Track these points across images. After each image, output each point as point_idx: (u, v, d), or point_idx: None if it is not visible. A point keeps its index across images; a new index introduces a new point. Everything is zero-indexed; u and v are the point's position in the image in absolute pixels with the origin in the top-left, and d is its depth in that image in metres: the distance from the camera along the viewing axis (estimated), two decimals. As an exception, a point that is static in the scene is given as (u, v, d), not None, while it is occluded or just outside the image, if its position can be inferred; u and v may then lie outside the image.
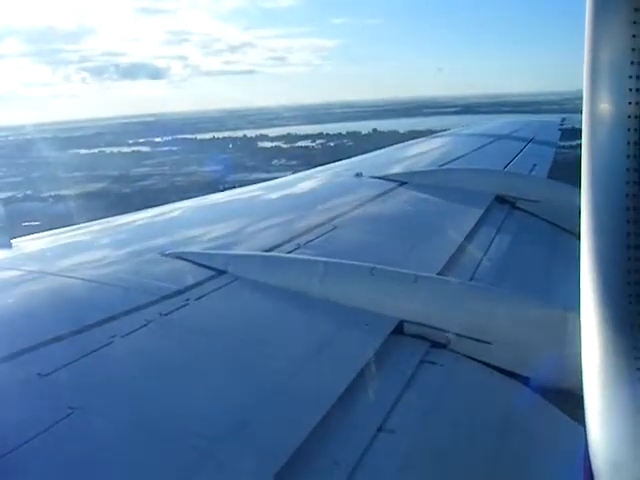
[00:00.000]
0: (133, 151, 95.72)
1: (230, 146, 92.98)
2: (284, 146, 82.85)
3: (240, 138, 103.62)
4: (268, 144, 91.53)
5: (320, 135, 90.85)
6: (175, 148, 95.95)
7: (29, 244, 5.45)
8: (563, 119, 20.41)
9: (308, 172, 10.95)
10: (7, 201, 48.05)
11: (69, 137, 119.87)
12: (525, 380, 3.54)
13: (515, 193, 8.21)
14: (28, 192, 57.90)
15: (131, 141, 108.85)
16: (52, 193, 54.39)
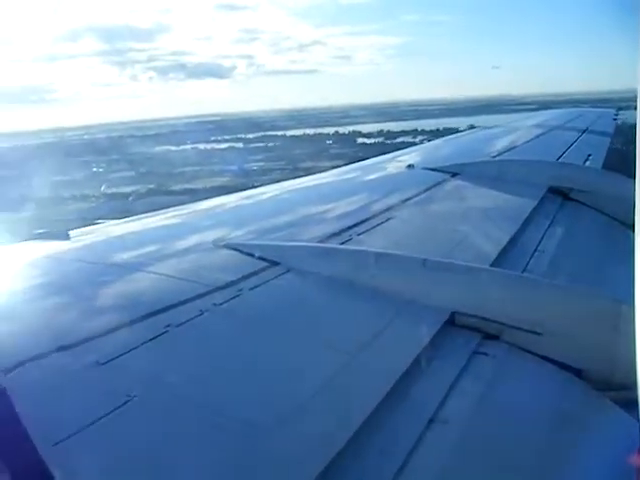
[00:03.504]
0: (229, 147, 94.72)
1: (330, 142, 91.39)
2: (387, 142, 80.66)
3: (333, 135, 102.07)
4: (367, 140, 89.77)
5: (417, 131, 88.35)
6: (271, 144, 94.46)
7: (85, 236, 5.55)
8: (618, 109, 20.02)
9: (360, 164, 10.91)
10: (139, 195, 47.68)
11: (148, 135, 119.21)
12: (578, 372, 3.51)
13: (569, 184, 8.09)
14: (151, 186, 57.00)
15: (218, 138, 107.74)
16: (179, 187, 53.51)
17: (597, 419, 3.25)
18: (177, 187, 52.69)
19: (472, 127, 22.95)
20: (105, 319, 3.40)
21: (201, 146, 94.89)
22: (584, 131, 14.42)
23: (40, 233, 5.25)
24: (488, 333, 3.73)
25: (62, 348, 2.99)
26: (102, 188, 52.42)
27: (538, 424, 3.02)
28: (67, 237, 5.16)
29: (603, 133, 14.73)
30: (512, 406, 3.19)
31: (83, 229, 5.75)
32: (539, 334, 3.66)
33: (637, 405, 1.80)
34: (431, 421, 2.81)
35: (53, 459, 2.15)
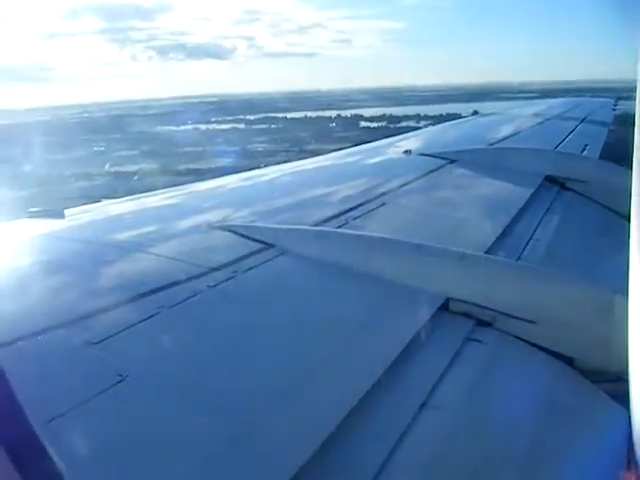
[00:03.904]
0: (232, 127, 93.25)
1: (333, 124, 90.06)
2: (390, 126, 79.35)
3: (336, 118, 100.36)
4: (370, 123, 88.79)
5: (420, 116, 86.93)
6: (274, 126, 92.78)
7: (81, 215, 5.55)
8: (617, 99, 20.01)
9: (357, 148, 10.91)
10: (144, 174, 46.91)
11: (148, 114, 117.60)
12: (570, 361, 3.53)
13: (565, 173, 8.10)
14: (155, 166, 54.48)
15: (219, 119, 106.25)
16: (184, 167, 52.37)
17: (587, 408, 3.27)
18: (182, 167, 51.97)
19: (475, 112, 22.92)
20: (98, 299, 3.40)
21: (202, 127, 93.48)
22: (582, 120, 14.42)
23: (35, 212, 5.24)
24: (481, 320, 3.74)
25: (54, 327, 3.00)
26: (106, 167, 51.79)
27: (528, 412, 3.03)
28: (62, 216, 5.15)
29: (601, 123, 14.73)
30: (503, 393, 3.20)
31: (78, 208, 5.74)
32: (533, 322, 3.67)
33: (628, 395, 1.81)
34: (422, 406, 2.82)
35: (46, 436, 2.15)
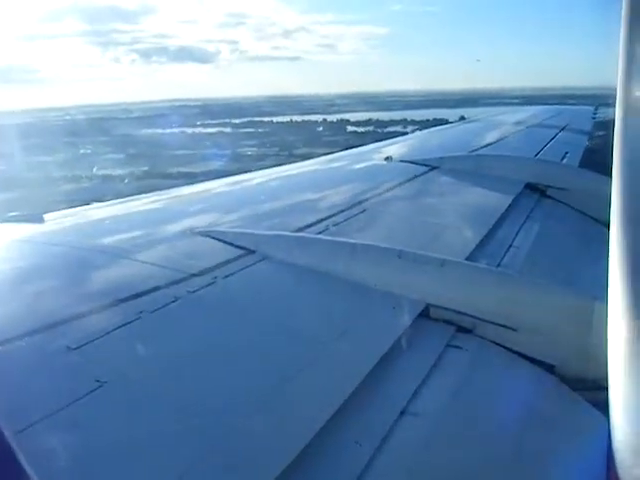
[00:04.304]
0: (218, 131, 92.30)
1: (320, 129, 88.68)
2: (377, 130, 78.78)
3: (322, 122, 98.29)
4: (357, 128, 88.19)
5: (406, 121, 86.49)
6: (261, 130, 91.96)
7: (61, 220, 5.51)
8: (596, 108, 20.18)
9: (337, 155, 10.93)
10: (134, 177, 46.48)
11: (132, 118, 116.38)
12: (550, 368, 3.54)
13: (546, 181, 8.15)
14: (144, 169, 54.46)
15: (204, 122, 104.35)
16: (174, 170, 51.32)
17: (568, 415, 3.28)
18: (172, 170, 51.54)
19: (463, 118, 23.05)
20: (77, 304, 3.37)
21: (189, 130, 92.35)
22: (562, 128, 14.52)
23: (14, 216, 5.19)
24: (462, 327, 3.74)
25: (32, 332, 2.97)
26: (94, 170, 51.08)
27: (509, 419, 3.04)
28: (41, 220, 5.12)
29: (581, 131, 14.84)
30: (484, 400, 3.21)
31: (58, 212, 5.71)
32: (513, 329, 3.68)
33: (608, 402, 1.81)
34: (402, 413, 2.81)
35: (18, 446, 2.12)
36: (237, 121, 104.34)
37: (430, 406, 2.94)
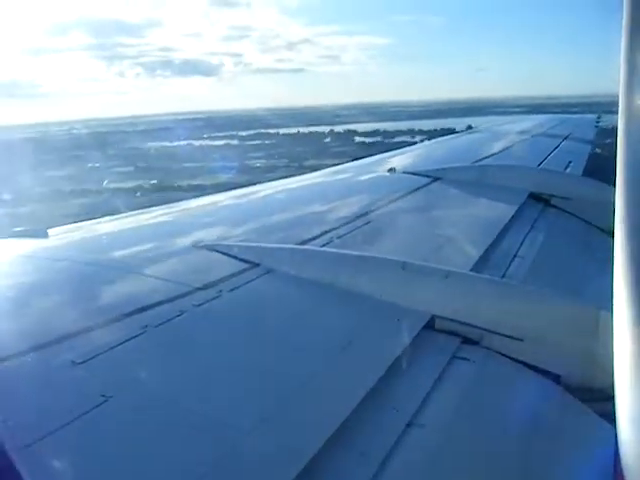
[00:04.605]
0: (226, 144, 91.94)
1: (328, 140, 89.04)
2: (385, 141, 78.17)
3: (329, 133, 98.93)
4: (365, 139, 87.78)
5: (414, 131, 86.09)
6: (268, 142, 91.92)
7: (65, 234, 5.52)
8: (599, 116, 20.20)
9: (341, 167, 10.94)
10: (146, 190, 46.61)
11: (138, 131, 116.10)
12: (556, 378, 3.52)
13: (549, 190, 8.15)
14: (154, 182, 54.62)
15: (211, 135, 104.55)
16: (185, 183, 51.20)
17: (574, 426, 3.26)
18: (183, 183, 51.32)
19: (470, 127, 23.16)
20: (82, 319, 3.37)
21: (196, 143, 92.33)
22: (565, 138, 14.54)
23: (18, 231, 5.20)
24: (468, 338, 3.73)
25: (37, 347, 2.96)
26: (105, 183, 51.00)
27: (515, 430, 3.03)
28: (45, 235, 5.12)
29: (584, 140, 14.86)
30: (490, 411, 3.19)
31: (62, 227, 5.72)
32: (520, 340, 3.67)
33: (614, 412, 1.80)
34: (409, 425, 2.80)
35: (25, 461, 2.12)
36: (244, 133, 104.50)
37: (437, 418, 2.93)
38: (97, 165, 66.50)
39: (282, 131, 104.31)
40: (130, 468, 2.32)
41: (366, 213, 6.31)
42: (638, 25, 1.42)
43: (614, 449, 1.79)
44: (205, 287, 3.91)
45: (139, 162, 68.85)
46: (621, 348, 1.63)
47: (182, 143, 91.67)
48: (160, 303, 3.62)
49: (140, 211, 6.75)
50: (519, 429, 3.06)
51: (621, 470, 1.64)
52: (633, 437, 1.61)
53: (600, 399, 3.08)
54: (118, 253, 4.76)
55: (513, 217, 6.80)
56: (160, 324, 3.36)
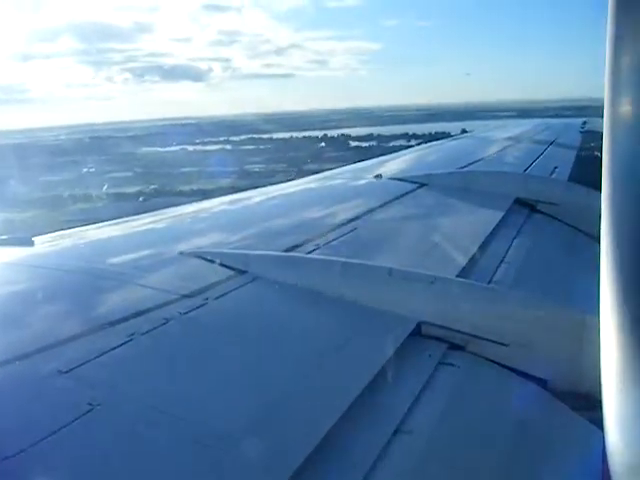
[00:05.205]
0: (220, 148, 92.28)
1: (322, 145, 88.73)
2: (380, 145, 77.55)
3: (322, 138, 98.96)
4: (359, 143, 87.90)
5: (408, 135, 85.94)
6: (262, 146, 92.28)
7: (50, 242, 5.49)
8: (584, 122, 20.32)
9: (327, 173, 10.95)
10: (148, 195, 46.82)
11: (129, 136, 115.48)
12: (542, 383, 3.53)
13: (535, 196, 8.17)
14: (155, 186, 54.86)
15: (204, 140, 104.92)
16: (186, 188, 50.87)
17: (561, 430, 3.27)
18: (184, 188, 51.15)
19: (464, 131, 23.29)
20: (67, 327, 3.35)
21: (189, 147, 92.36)
22: (551, 143, 14.61)
23: (2, 239, 5.16)
24: (454, 343, 3.73)
25: (22, 356, 2.94)
26: (104, 188, 50.58)
27: (502, 435, 3.03)
28: (31, 243, 5.09)
29: (569, 145, 14.94)
30: (477, 417, 3.19)
31: (47, 235, 5.68)
32: (505, 345, 3.67)
33: (601, 416, 1.81)
34: (396, 432, 2.80)
35: (9, 471, 2.10)
36: (235, 138, 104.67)
37: (424, 424, 2.92)
38: (85, 170, 66.37)
39: (274, 136, 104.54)
40: (117, 477, 2.30)
41: (352, 219, 6.30)
42: (623, 29, 1.42)
43: (602, 453, 1.79)
44: (192, 295, 3.90)
45: (129, 167, 68.78)
46: (607, 352, 1.63)
47: (172, 148, 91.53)
48: (147, 311, 3.60)
49: (127, 218, 6.73)
50: (506, 434, 3.06)
51: (609, 474, 1.64)
52: (620, 441, 1.60)
53: (587, 403, 3.09)
54: (104, 261, 4.73)
55: (499, 223, 6.81)
56: (146, 332, 3.35)
